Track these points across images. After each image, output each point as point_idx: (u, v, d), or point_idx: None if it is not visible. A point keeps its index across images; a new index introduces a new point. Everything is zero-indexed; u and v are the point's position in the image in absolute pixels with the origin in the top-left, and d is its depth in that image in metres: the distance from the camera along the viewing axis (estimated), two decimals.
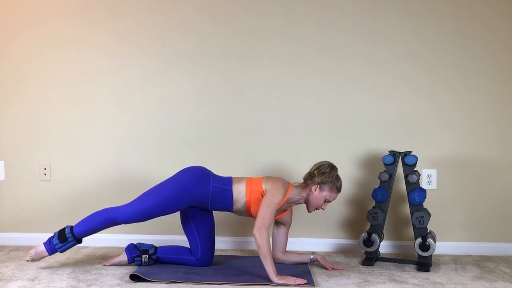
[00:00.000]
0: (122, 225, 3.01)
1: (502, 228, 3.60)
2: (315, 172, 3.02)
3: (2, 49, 3.66)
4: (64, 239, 2.96)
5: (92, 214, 3.01)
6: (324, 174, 3.00)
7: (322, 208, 3.06)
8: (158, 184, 3.03)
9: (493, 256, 3.53)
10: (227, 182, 3.05)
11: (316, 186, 3.01)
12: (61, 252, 3.00)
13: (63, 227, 3.09)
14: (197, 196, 3.00)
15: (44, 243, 2.98)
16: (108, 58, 3.65)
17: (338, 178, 3.05)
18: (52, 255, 3.17)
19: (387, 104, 3.61)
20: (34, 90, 3.64)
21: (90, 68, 3.64)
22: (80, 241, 3.01)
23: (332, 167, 3.04)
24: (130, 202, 2.99)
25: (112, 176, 3.64)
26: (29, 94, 3.65)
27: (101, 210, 3.01)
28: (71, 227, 2.99)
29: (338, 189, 3.06)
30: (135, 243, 3.14)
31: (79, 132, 3.64)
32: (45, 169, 3.66)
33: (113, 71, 3.64)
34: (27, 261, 3.00)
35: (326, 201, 3.04)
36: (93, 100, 3.65)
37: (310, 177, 3.03)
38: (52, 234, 3.05)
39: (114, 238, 3.62)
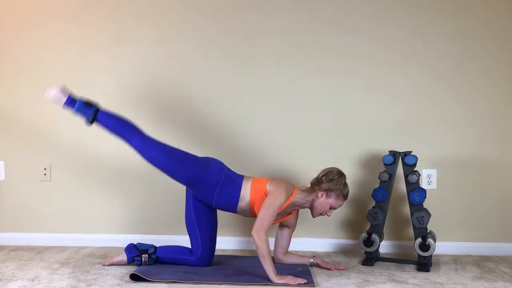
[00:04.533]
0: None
1: (502, 228, 3.60)
2: (323, 178, 3.00)
3: (2, 49, 3.66)
4: (88, 106, 3.01)
5: (122, 118, 3.06)
6: (332, 181, 2.99)
7: (327, 215, 3.06)
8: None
9: (493, 256, 3.53)
10: (239, 176, 3.09)
11: (323, 192, 3.00)
12: (76, 110, 3.01)
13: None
14: (209, 176, 2.99)
15: (68, 97, 3.03)
16: (108, 58, 3.64)
17: (345, 185, 3.03)
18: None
19: (387, 104, 3.61)
20: (34, 90, 3.63)
21: (90, 68, 3.65)
22: (92, 121, 3.02)
23: (341, 175, 3.03)
24: (156, 142, 3.02)
25: (113, 176, 3.64)
26: (29, 94, 3.65)
27: (130, 123, 3.05)
28: (98, 108, 3.03)
29: (345, 197, 3.05)
30: (135, 243, 3.14)
31: (79, 132, 3.63)
32: (45, 169, 3.66)
33: (113, 71, 3.64)
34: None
35: (332, 208, 3.03)
36: (93, 99, 3.64)
37: (317, 183, 3.02)
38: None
39: (114, 238, 3.62)
